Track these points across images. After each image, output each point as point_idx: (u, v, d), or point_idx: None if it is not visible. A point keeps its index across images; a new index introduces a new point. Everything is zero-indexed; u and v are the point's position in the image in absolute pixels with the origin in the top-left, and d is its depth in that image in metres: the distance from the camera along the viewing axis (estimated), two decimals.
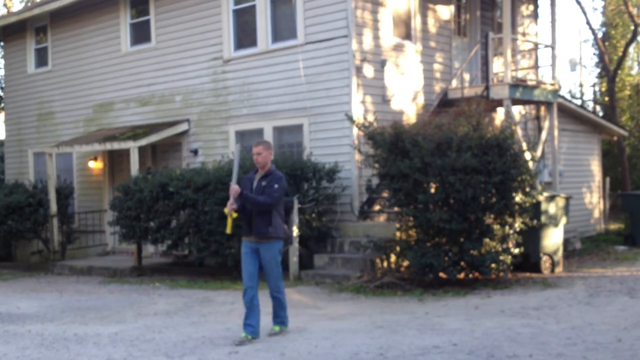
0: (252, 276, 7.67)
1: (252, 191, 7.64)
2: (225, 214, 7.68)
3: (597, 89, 34.62)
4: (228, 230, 7.73)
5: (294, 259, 12.00)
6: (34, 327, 8.79)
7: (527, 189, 11.17)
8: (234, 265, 12.30)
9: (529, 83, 15.28)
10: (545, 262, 12.25)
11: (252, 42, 14.41)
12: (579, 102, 33.11)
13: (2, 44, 20.60)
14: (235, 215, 7.63)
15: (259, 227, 7.58)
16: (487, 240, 10.78)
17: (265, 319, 8.72)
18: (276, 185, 7.56)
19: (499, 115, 15.61)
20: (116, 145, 14.94)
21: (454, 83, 15.28)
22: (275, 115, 13.99)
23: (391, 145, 10.99)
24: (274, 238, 7.64)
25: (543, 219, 11.97)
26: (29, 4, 27.53)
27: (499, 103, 14.37)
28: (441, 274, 10.76)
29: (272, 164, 7.78)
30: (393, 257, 11.49)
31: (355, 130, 12.67)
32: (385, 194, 12.57)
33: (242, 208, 7.64)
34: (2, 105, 26.37)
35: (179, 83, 15.58)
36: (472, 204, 10.51)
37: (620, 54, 27.03)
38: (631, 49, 30.47)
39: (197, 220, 12.33)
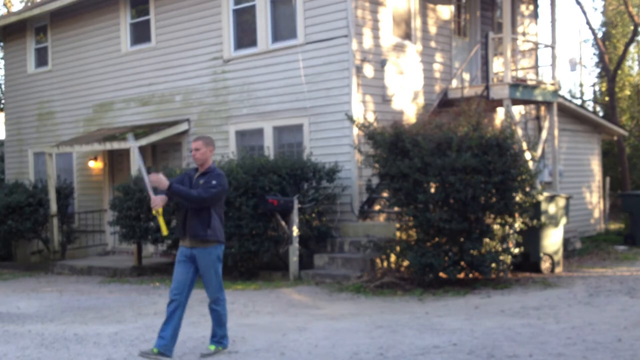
0: (181, 286, 6.77)
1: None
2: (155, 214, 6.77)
3: (597, 89, 34.64)
4: (164, 231, 6.87)
5: (294, 258, 12.00)
6: (34, 327, 8.79)
7: (527, 189, 11.17)
8: (234, 265, 12.32)
9: (529, 83, 15.29)
10: (545, 262, 12.25)
11: (252, 42, 14.41)
12: (579, 102, 33.14)
13: (2, 44, 20.59)
14: (160, 210, 6.69)
15: (195, 228, 6.68)
16: (487, 240, 10.78)
17: (265, 318, 8.72)
18: (214, 182, 6.67)
19: (499, 115, 15.61)
20: (116, 145, 14.94)
21: (454, 83, 15.29)
22: (275, 115, 13.99)
23: (391, 145, 10.99)
24: (212, 242, 6.73)
25: (543, 218, 11.97)
26: (29, 4, 27.53)
27: (499, 103, 14.37)
28: (441, 274, 10.76)
29: (212, 162, 6.94)
30: (393, 257, 11.48)
31: (355, 130, 12.67)
32: (385, 194, 12.57)
33: (177, 206, 6.87)
34: (2, 105, 26.36)
35: (179, 83, 15.59)
36: (472, 204, 10.51)
37: (620, 53, 27.03)
38: (631, 49, 30.47)
39: None
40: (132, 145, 6.98)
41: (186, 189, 6.63)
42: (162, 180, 6.46)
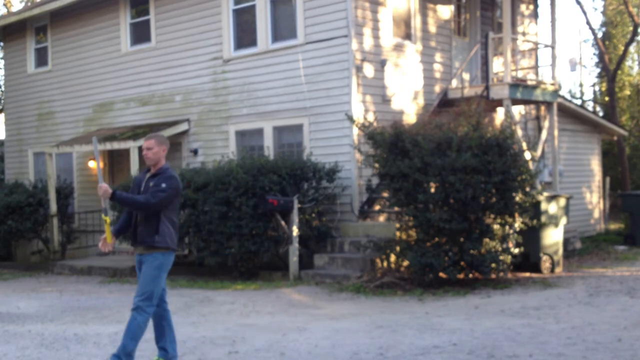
0: None
1: (140, 194, 6.36)
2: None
3: (597, 88, 34.64)
4: (108, 239, 6.43)
5: (294, 258, 12.00)
6: (34, 327, 8.79)
7: (527, 189, 11.17)
8: (234, 265, 12.32)
9: (529, 83, 15.29)
10: (545, 262, 12.25)
11: (252, 42, 14.42)
12: (579, 102, 33.15)
13: (2, 44, 20.59)
14: (108, 220, 6.37)
15: (143, 235, 6.26)
16: (487, 240, 10.78)
17: (265, 318, 8.69)
18: (164, 185, 6.20)
19: (499, 115, 15.61)
20: (116, 145, 14.94)
21: (454, 83, 15.28)
22: (275, 115, 13.99)
23: (391, 145, 11.00)
24: (159, 249, 6.26)
25: (543, 218, 11.97)
26: (29, 4, 27.53)
27: (499, 103, 14.37)
28: (441, 274, 10.76)
29: (166, 162, 6.47)
30: (393, 257, 11.49)
31: (355, 130, 12.67)
32: (385, 194, 12.57)
33: (129, 213, 6.45)
34: (2, 105, 26.36)
35: (179, 83, 15.59)
36: (472, 204, 10.51)
37: (620, 53, 27.03)
38: (631, 49, 30.47)
39: (197, 220, 12.33)
40: (95, 150, 6.54)
41: (131, 196, 6.25)
42: (104, 189, 6.12)
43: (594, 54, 35.14)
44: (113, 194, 6.10)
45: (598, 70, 33.00)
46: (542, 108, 16.73)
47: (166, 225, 6.27)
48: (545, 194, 12.21)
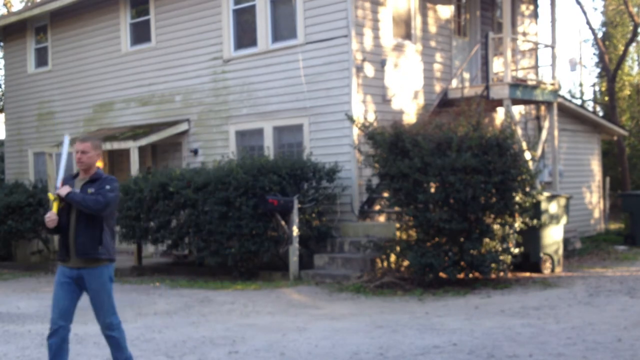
0: (66, 313, 5.88)
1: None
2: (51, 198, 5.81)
3: (597, 88, 34.65)
4: (55, 209, 5.70)
5: (294, 258, 12.00)
6: (34, 327, 8.79)
7: (527, 189, 11.18)
8: (234, 265, 12.32)
9: (529, 83, 15.29)
10: (545, 262, 12.25)
11: (252, 42, 14.42)
12: (579, 102, 33.15)
13: (2, 44, 20.59)
14: (56, 202, 5.78)
15: (85, 246, 5.68)
16: (487, 240, 10.78)
17: (265, 318, 8.68)
18: (108, 186, 5.73)
19: (499, 115, 15.61)
20: (116, 145, 14.93)
21: (454, 83, 15.28)
22: (275, 115, 13.99)
23: (391, 145, 11.00)
24: (103, 261, 5.79)
25: (543, 218, 11.97)
26: (29, 4, 27.53)
27: (499, 103, 14.37)
28: (441, 274, 10.76)
29: (99, 168, 5.95)
30: (393, 257, 11.49)
31: (355, 130, 12.67)
32: (385, 194, 12.57)
33: (58, 223, 5.74)
34: (2, 105, 26.36)
35: (179, 83, 15.58)
36: (472, 204, 10.52)
37: (620, 53, 27.03)
38: (631, 49, 30.48)
39: (197, 220, 12.34)
40: (65, 148, 6.10)
41: (82, 195, 5.66)
42: (65, 188, 5.68)
43: (594, 54, 35.18)
44: (67, 193, 5.63)
45: (598, 70, 33.04)
46: (542, 108, 16.73)
47: (108, 235, 5.80)
48: (545, 193, 12.21)
